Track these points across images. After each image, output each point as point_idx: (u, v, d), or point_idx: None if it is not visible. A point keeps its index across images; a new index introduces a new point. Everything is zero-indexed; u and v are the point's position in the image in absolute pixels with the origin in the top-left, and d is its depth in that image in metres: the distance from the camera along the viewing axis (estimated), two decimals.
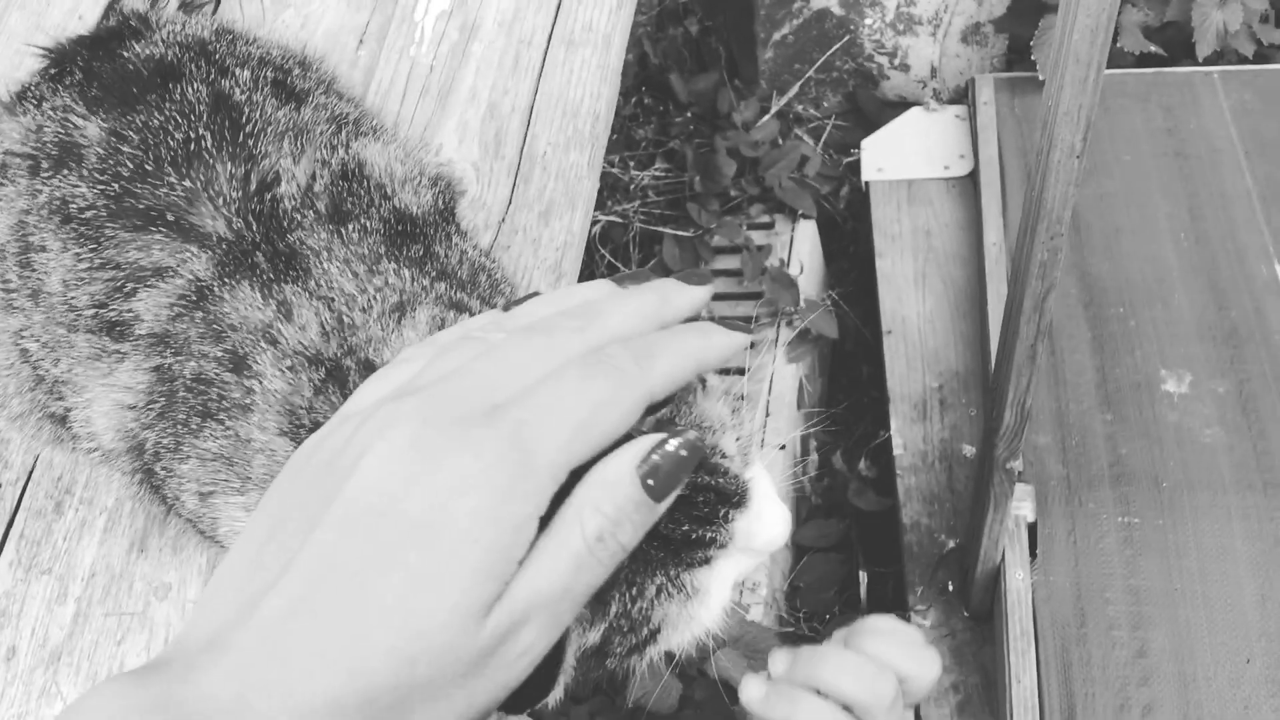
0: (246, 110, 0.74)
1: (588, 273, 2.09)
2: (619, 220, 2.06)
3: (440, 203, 0.76)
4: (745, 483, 0.53)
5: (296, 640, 0.43)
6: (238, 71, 0.78)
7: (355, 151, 0.75)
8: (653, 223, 2.07)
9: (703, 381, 0.56)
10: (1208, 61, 1.95)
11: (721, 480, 0.52)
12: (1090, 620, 1.45)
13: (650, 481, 0.46)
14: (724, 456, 0.53)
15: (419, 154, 0.79)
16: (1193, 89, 1.93)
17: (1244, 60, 2.00)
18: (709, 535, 0.52)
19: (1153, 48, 1.97)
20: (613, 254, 2.06)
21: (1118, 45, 1.96)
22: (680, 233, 2.04)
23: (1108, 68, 2.06)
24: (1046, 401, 1.63)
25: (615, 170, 2.10)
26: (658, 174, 2.11)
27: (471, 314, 0.69)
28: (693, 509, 0.51)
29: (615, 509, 0.46)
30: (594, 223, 2.07)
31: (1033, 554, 1.51)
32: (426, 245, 0.73)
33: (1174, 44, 2.09)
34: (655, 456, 0.46)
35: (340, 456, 0.46)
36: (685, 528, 0.51)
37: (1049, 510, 1.53)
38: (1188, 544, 1.48)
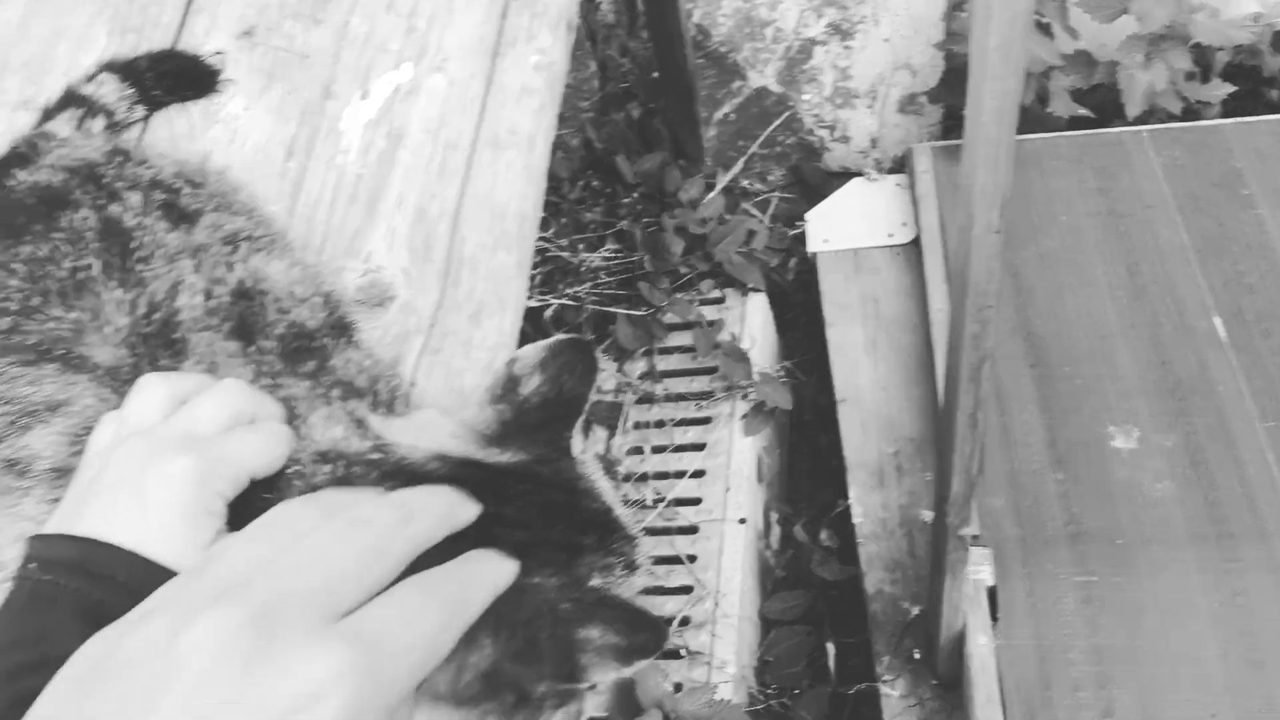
0: (137, 236, 0.74)
1: None
2: (571, 303, 2.08)
3: (333, 317, 0.76)
4: None
5: None
6: (128, 195, 0.78)
7: (255, 268, 0.75)
8: (605, 303, 2.09)
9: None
10: (1137, 121, 2.00)
11: None
12: (1055, 683, 1.45)
13: None
14: None
15: (317, 271, 0.80)
16: (1124, 148, 1.98)
17: (1172, 117, 2.05)
18: None
19: (1083, 110, 2.02)
20: None
21: (1048, 110, 2.01)
22: (633, 312, 2.05)
23: (1040, 132, 2.10)
24: (999, 463, 1.64)
25: (565, 254, 2.12)
26: (608, 255, 2.14)
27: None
28: None
29: None
30: (546, 306, 2.08)
31: (995, 617, 1.51)
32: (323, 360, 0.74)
33: (1105, 105, 2.14)
34: None
35: (162, 654, 0.44)
36: None
37: (1007, 572, 1.54)
38: (1146, 600, 1.49)
